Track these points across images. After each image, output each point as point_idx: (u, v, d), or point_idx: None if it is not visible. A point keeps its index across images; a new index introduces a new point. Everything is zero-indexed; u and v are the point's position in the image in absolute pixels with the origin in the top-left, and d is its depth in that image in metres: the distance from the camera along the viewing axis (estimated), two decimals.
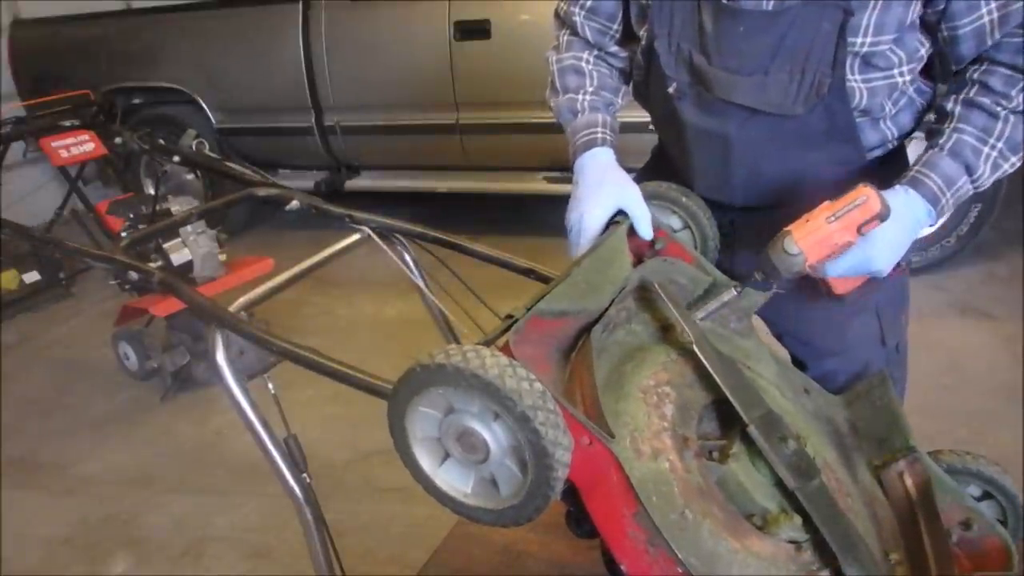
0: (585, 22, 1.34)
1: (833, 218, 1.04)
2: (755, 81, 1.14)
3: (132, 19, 5.04)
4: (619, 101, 1.39)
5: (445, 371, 0.81)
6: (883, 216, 1.04)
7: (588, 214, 1.22)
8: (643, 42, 1.26)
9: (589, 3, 1.33)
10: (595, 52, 1.37)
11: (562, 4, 1.39)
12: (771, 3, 1.09)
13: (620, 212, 1.24)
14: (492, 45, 3.87)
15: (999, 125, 1.09)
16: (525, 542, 1.83)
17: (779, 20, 1.09)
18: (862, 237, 1.06)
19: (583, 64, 1.36)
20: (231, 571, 2.26)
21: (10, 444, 2.97)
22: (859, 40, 1.09)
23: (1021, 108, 1.08)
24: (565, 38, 1.39)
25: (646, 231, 1.22)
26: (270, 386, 1.39)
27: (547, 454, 0.80)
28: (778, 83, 1.13)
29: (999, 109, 1.09)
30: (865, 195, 1.03)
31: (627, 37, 1.35)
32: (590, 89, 1.35)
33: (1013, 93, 1.08)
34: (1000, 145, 1.10)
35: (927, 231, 3.34)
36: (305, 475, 1.29)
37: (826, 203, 1.06)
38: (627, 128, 1.46)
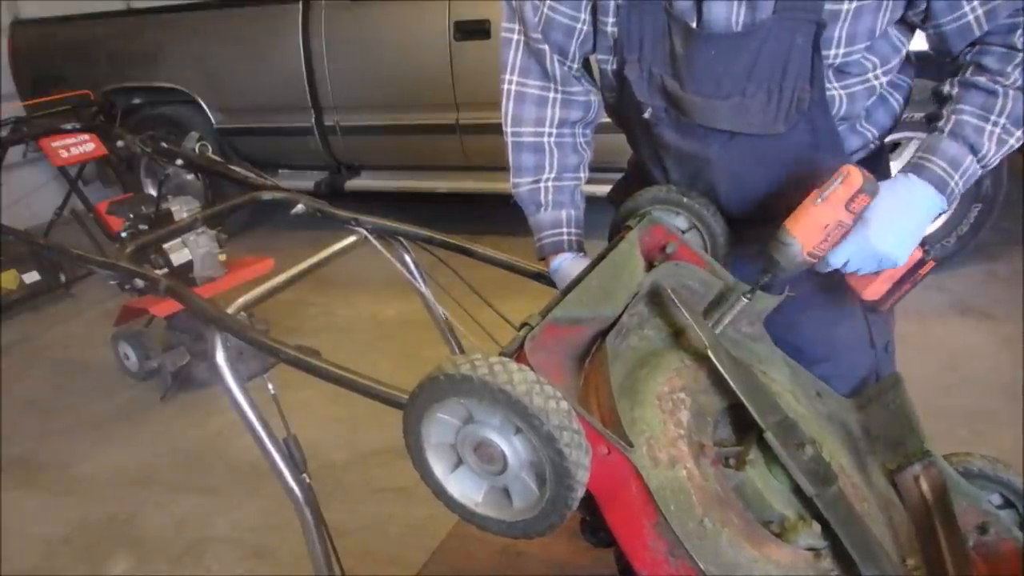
0: (555, 57, 1.26)
1: (820, 199, 1.03)
2: (733, 104, 1.12)
3: (132, 19, 5.04)
4: (583, 176, 1.35)
5: (471, 383, 0.80)
6: (869, 190, 1.02)
7: None
8: (614, 66, 1.23)
9: (548, 36, 1.24)
10: (558, 93, 1.29)
11: (510, 30, 1.29)
12: (740, 24, 1.08)
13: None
14: (492, 45, 3.87)
15: (999, 101, 1.07)
16: (525, 542, 1.83)
17: (751, 40, 1.08)
18: (858, 220, 1.04)
19: (544, 139, 1.31)
20: (231, 571, 2.26)
21: (10, 444, 2.96)
22: (832, 52, 1.08)
23: (1019, 84, 1.06)
24: (523, 88, 1.29)
25: None
26: (270, 387, 1.39)
27: (569, 474, 0.79)
28: (757, 104, 1.11)
29: (996, 86, 1.07)
30: (846, 171, 1.02)
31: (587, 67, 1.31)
32: (551, 176, 1.31)
33: (1009, 70, 1.06)
34: (1003, 120, 1.07)
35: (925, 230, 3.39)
36: (305, 475, 1.29)
37: (815, 190, 1.05)
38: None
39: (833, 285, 1.21)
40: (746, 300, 1.12)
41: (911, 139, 3.24)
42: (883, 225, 1.06)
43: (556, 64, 1.27)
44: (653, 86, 1.19)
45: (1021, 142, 1.10)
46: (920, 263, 1.15)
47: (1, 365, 3.59)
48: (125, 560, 2.36)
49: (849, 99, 1.15)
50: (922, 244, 1.13)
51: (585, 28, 1.22)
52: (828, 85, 1.12)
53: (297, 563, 2.03)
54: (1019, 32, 1.05)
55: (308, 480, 1.29)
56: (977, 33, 1.07)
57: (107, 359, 3.33)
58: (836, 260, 1.09)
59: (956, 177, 1.09)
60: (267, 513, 2.43)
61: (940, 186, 1.09)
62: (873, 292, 1.17)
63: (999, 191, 3.30)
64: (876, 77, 1.15)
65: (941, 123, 1.11)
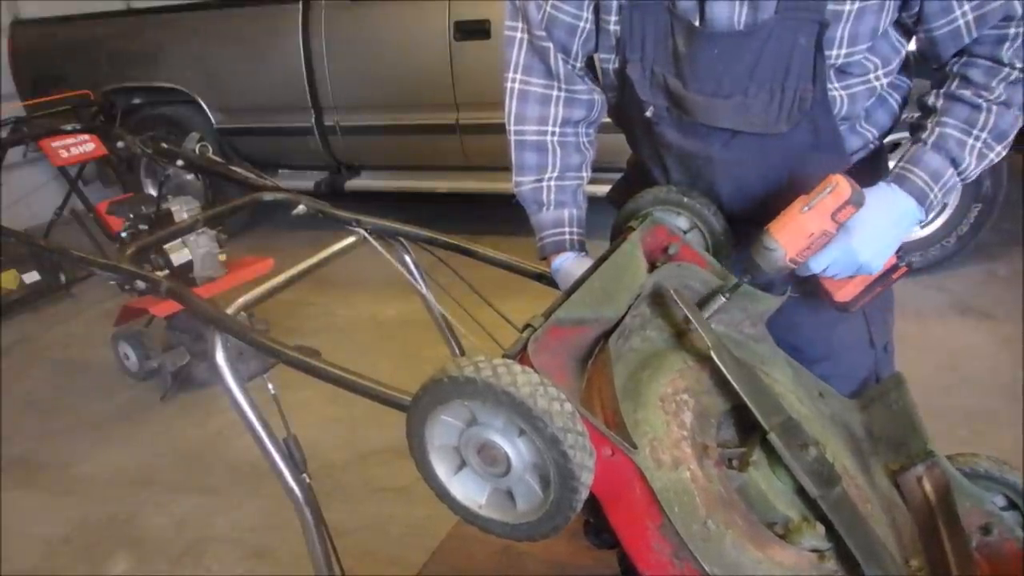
0: (559, 55, 1.26)
1: (807, 208, 1.04)
2: (735, 103, 1.12)
3: (132, 19, 5.04)
4: (585, 176, 1.35)
5: (475, 385, 0.80)
6: (856, 202, 1.03)
7: None
8: (615, 64, 1.24)
9: (553, 36, 1.24)
10: (561, 91, 1.29)
11: (514, 28, 1.29)
12: (743, 23, 1.08)
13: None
14: (492, 45, 3.86)
15: (982, 116, 1.09)
16: (526, 543, 1.83)
17: (753, 39, 1.08)
18: (842, 228, 1.06)
19: (547, 138, 1.30)
20: (231, 571, 2.26)
21: (10, 444, 2.96)
22: (835, 52, 1.08)
23: (1003, 99, 1.08)
24: (526, 87, 1.29)
25: None
26: (270, 387, 1.39)
27: (573, 476, 0.79)
28: (759, 103, 1.11)
29: (980, 101, 1.09)
30: (835, 182, 1.03)
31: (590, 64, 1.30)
32: (554, 175, 1.31)
33: (994, 84, 1.08)
34: (984, 135, 1.10)
35: (925, 230, 3.40)
36: (305, 475, 1.29)
37: (801, 196, 1.06)
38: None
39: None
40: (724, 299, 1.12)
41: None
42: (865, 235, 1.08)
43: (560, 62, 1.27)
44: (655, 85, 1.19)
45: (1001, 156, 1.12)
46: (893, 268, 1.18)
47: (1, 365, 3.59)
48: (125, 560, 2.36)
49: (850, 99, 1.15)
50: (896, 251, 1.16)
51: (588, 27, 1.22)
52: (829, 85, 1.12)
53: (297, 563, 2.03)
54: (1006, 44, 1.06)
55: (308, 480, 1.29)
56: (967, 39, 1.08)
57: (107, 359, 3.33)
58: (816, 266, 1.11)
59: (936, 190, 1.11)
60: (267, 513, 2.43)
61: (920, 198, 1.11)
62: (845, 295, 1.19)
63: (999, 191, 3.30)
64: (877, 78, 1.15)
65: (925, 135, 1.13)
